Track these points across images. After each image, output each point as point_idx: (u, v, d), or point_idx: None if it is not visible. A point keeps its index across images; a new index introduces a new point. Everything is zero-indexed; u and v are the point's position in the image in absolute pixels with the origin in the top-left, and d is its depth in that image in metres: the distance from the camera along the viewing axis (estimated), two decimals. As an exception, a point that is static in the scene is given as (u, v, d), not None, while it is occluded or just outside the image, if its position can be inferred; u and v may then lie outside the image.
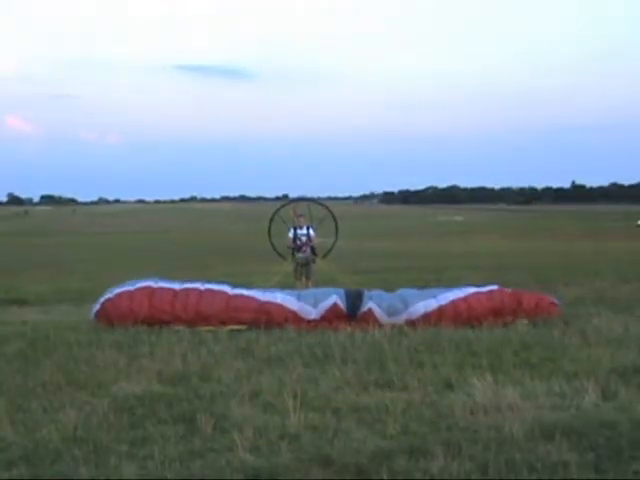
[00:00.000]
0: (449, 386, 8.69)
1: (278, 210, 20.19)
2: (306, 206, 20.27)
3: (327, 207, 20.63)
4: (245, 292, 14.02)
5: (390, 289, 16.24)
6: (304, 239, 18.35)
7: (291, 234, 18.48)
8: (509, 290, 14.41)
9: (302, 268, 18.30)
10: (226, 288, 14.13)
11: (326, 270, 20.04)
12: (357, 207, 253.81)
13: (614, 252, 32.25)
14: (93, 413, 7.70)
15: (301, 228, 18.46)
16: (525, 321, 13.31)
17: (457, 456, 6.26)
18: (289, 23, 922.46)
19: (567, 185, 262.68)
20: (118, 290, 14.06)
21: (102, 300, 13.96)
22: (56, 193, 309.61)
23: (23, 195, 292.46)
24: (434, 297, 13.79)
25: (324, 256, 19.45)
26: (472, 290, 14.08)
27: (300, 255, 18.26)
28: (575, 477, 5.88)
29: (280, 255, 19.36)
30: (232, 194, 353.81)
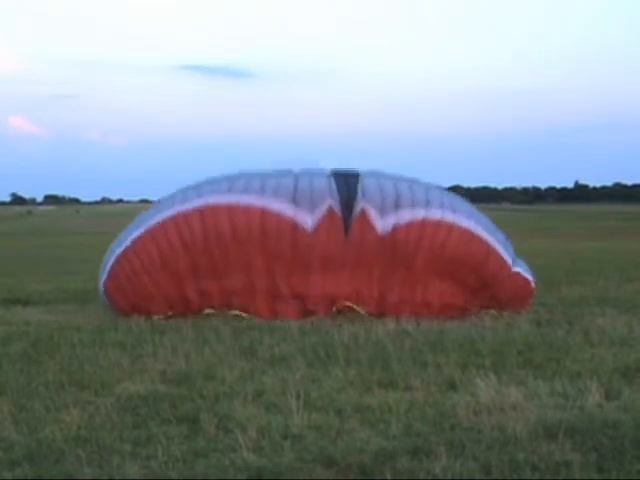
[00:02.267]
0: (452, 386, 8.69)
1: None
2: None
3: None
4: (242, 201, 14.04)
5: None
6: None
7: None
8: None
9: None
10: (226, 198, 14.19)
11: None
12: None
13: (618, 252, 32.22)
14: (96, 413, 7.71)
15: None
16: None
17: (460, 456, 6.26)
18: (290, 23, 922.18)
19: (570, 185, 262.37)
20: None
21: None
22: (59, 193, 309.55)
23: (26, 195, 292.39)
24: (425, 207, 14.04)
25: None
26: (463, 226, 14.23)
27: None
28: (578, 477, 5.88)
29: None
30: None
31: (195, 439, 6.93)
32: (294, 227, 13.81)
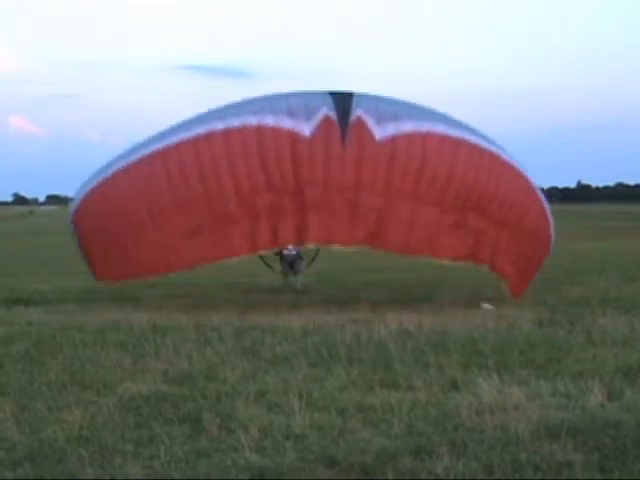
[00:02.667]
0: (455, 386, 8.68)
1: None
2: None
3: None
4: (235, 123, 14.00)
5: (395, 288, 16.29)
6: None
7: None
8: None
9: (290, 265, 18.63)
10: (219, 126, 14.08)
11: (330, 270, 20.01)
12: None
13: (620, 252, 32.19)
14: (98, 413, 7.71)
15: None
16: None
17: (462, 456, 6.26)
18: (290, 23, 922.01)
19: (573, 185, 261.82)
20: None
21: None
22: (61, 193, 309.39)
23: (28, 195, 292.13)
24: (427, 121, 14.09)
25: (308, 265, 19.49)
26: (472, 141, 14.19)
27: (287, 252, 18.49)
28: (580, 477, 5.87)
29: (268, 265, 19.47)
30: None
31: (197, 439, 6.93)
32: (292, 136, 13.80)
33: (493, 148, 14.31)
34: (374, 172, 13.74)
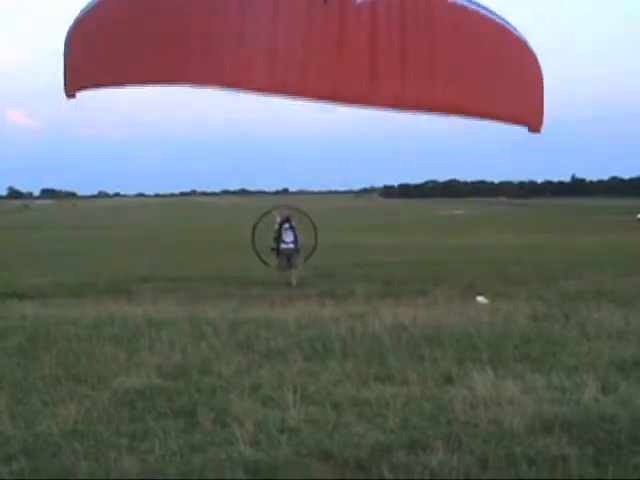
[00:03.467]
0: (449, 380, 8.68)
1: (262, 217, 20.30)
2: (286, 208, 20.58)
3: (308, 215, 20.58)
4: None
5: (390, 282, 16.31)
6: (289, 232, 18.84)
7: (276, 226, 18.96)
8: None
9: (287, 258, 18.82)
10: None
11: (326, 265, 20.00)
12: (357, 201, 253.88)
13: (614, 246, 32.25)
14: (93, 407, 7.70)
15: (288, 221, 19.00)
16: None
17: (457, 450, 6.26)
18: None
19: (567, 179, 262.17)
20: None
21: None
22: (56, 187, 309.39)
23: (23, 189, 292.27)
24: None
25: (305, 260, 19.54)
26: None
27: (284, 246, 18.64)
28: (575, 471, 5.88)
29: (263, 262, 19.55)
30: (232, 188, 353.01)
31: (192, 433, 6.92)
32: None
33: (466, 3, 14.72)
34: (356, 34, 13.98)
